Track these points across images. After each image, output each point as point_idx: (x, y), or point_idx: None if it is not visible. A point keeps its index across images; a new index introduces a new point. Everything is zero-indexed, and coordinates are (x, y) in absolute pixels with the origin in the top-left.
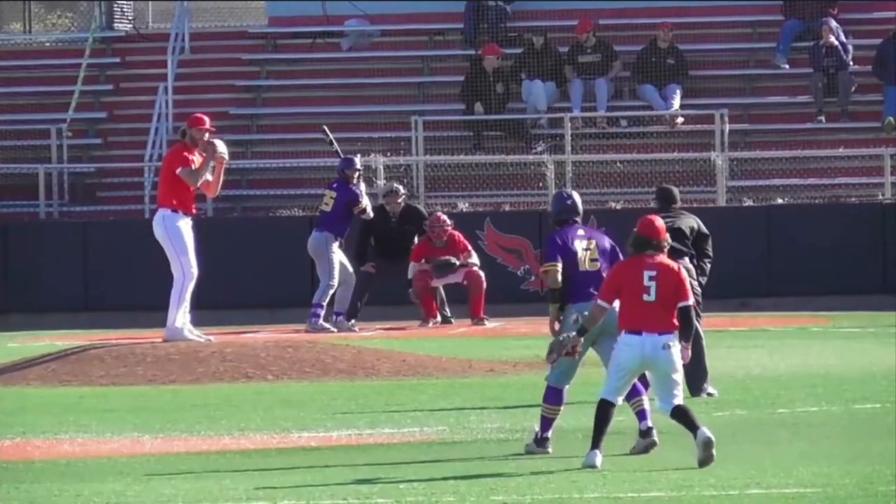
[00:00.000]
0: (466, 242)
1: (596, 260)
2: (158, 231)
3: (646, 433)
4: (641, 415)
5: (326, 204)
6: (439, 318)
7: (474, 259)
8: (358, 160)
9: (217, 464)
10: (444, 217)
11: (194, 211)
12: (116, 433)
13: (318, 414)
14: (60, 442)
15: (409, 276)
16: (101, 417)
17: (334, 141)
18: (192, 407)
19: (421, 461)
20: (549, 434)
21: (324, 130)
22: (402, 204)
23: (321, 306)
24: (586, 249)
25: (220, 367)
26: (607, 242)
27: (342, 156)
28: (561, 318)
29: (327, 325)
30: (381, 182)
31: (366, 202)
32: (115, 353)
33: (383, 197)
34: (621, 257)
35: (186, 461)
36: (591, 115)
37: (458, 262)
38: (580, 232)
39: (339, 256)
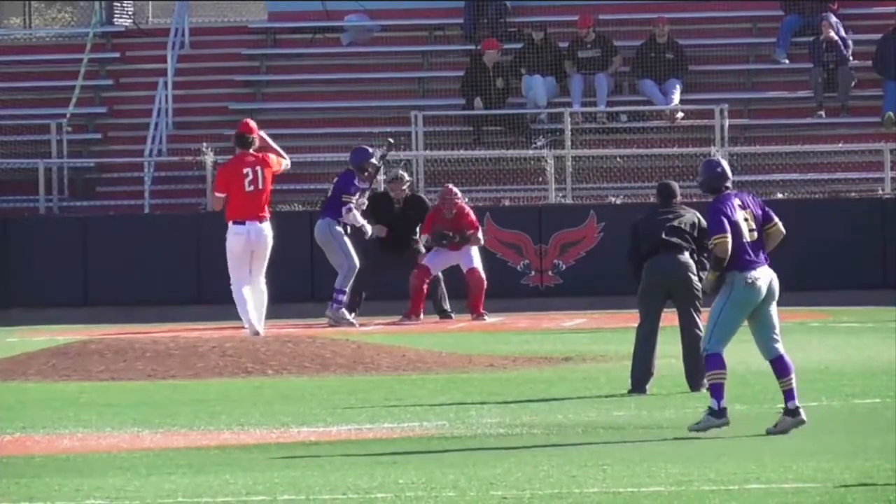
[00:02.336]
0: (475, 219)
1: (753, 230)
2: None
3: (794, 412)
4: (789, 395)
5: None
6: (422, 318)
7: (480, 236)
8: (374, 157)
9: (217, 459)
10: (455, 189)
11: (251, 215)
12: (116, 428)
13: (318, 409)
14: (60, 437)
15: (422, 246)
16: (101, 412)
17: (385, 158)
18: (192, 402)
19: (420, 456)
20: (725, 403)
21: (389, 143)
22: (407, 191)
23: (343, 292)
24: (745, 219)
25: (219, 361)
26: (759, 208)
27: (380, 165)
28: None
29: (348, 317)
30: (381, 177)
31: (355, 205)
32: (115, 348)
33: (388, 183)
34: (774, 217)
35: (186, 456)
36: (591, 109)
37: (456, 238)
38: (737, 201)
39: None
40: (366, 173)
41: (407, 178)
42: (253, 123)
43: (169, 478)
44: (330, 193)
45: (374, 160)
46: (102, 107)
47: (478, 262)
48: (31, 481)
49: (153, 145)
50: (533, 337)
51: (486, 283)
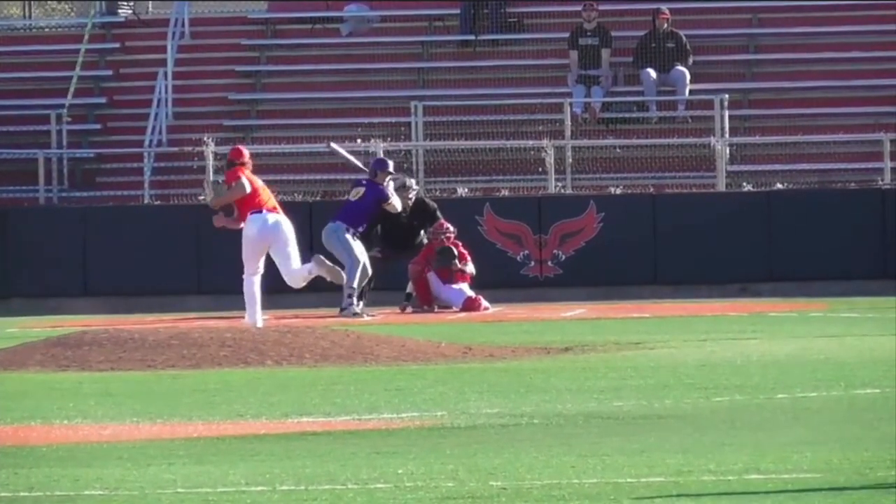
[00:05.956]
0: (466, 253)
1: None
2: None
3: None
4: None
5: (355, 195)
6: (436, 308)
7: (470, 268)
8: (391, 164)
9: (216, 449)
10: (448, 225)
11: (263, 209)
12: (115, 418)
13: (317, 399)
14: (59, 427)
15: (409, 290)
16: (100, 402)
17: (348, 156)
18: (192, 392)
19: (420, 446)
20: None
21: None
22: (414, 198)
23: (352, 289)
24: None
25: (219, 352)
26: None
27: (361, 166)
28: None
29: (359, 312)
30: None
31: (394, 198)
32: (114, 339)
33: (395, 191)
34: None
35: (185, 446)
36: (590, 100)
37: (457, 259)
38: None
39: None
40: (386, 180)
41: (415, 186)
42: (245, 152)
43: (169, 468)
44: (356, 200)
45: (389, 168)
46: (102, 97)
47: (471, 292)
48: (31, 471)
49: (153, 136)
50: (532, 327)
51: (483, 305)
